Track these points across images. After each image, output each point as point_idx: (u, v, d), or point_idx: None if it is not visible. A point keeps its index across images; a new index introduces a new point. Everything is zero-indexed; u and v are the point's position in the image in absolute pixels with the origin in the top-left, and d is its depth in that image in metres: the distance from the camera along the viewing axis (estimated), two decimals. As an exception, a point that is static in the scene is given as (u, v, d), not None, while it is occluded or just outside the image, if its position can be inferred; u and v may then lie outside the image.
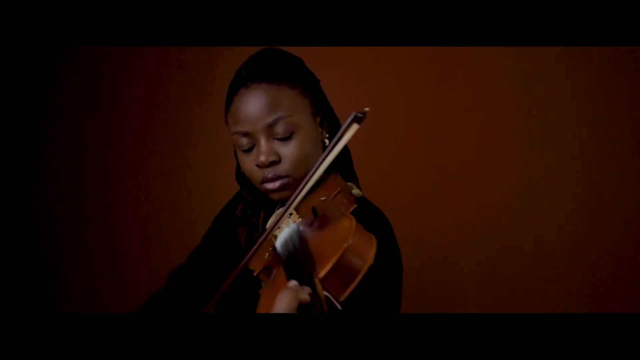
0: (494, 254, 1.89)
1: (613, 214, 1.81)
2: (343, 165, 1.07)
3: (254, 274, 0.96)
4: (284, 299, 0.76)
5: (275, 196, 1.03)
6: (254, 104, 1.01)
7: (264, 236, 0.93)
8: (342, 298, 0.77)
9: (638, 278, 1.79)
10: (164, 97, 2.13)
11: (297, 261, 0.82)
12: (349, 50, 1.83)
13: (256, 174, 1.03)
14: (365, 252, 0.80)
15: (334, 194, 0.98)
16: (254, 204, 1.15)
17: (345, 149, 1.09)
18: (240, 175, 1.14)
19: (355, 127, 0.92)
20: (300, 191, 0.93)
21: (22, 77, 2.12)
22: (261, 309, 0.84)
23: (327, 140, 1.08)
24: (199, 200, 1.93)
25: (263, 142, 1.01)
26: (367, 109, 0.94)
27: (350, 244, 0.79)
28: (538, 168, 1.87)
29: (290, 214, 0.96)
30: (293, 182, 1.01)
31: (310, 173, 0.93)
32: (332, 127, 1.10)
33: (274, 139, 1.01)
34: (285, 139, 1.01)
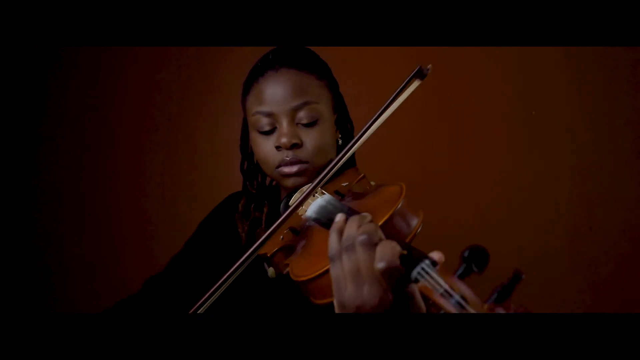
0: (494, 253, 1.89)
1: (613, 213, 1.81)
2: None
3: (268, 255, 0.91)
4: (387, 250, 0.68)
5: (289, 182, 1.01)
6: (282, 85, 1.00)
7: (288, 211, 0.88)
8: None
9: (638, 278, 1.79)
10: (164, 97, 2.13)
11: (351, 215, 0.76)
12: (349, 50, 1.83)
13: (273, 156, 1.01)
14: (413, 218, 0.82)
15: (358, 178, 0.98)
16: (257, 198, 1.13)
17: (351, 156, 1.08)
18: (245, 170, 1.14)
19: (417, 83, 0.96)
20: (336, 164, 0.91)
21: (22, 77, 2.12)
22: (333, 276, 0.72)
23: (340, 140, 1.08)
24: (200, 200, 1.93)
25: (286, 124, 0.99)
26: (430, 65, 0.96)
27: (400, 206, 0.78)
28: (538, 168, 1.87)
29: (316, 195, 0.92)
30: (311, 170, 1.00)
31: (357, 137, 0.91)
32: (344, 130, 1.11)
33: (297, 123, 1.00)
34: (309, 125, 1.00)
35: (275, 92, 1.00)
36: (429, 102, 1.93)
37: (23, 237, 2.16)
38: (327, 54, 1.86)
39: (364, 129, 0.92)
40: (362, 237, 0.69)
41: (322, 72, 1.07)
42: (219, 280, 0.87)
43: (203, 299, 0.87)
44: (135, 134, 2.14)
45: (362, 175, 0.99)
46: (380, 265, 0.67)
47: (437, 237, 1.94)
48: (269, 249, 0.92)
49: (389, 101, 0.95)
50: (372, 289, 0.68)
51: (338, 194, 0.94)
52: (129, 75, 2.13)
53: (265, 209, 1.12)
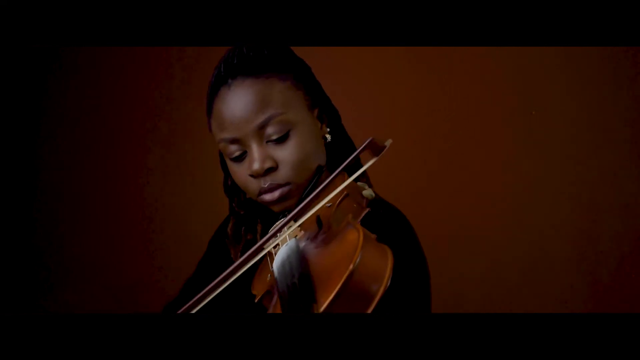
0: (494, 253, 1.89)
1: (613, 213, 1.81)
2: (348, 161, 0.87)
3: (256, 300, 0.81)
4: None
5: (276, 208, 0.89)
6: (239, 104, 0.86)
7: (252, 250, 0.78)
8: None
9: (638, 278, 1.79)
10: (164, 97, 2.13)
11: (295, 290, 0.65)
12: (349, 50, 1.83)
13: (251, 185, 0.88)
14: (378, 273, 0.63)
15: (341, 197, 0.82)
16: (247, 219, 1.00)
17: (351, 143, 0.99)
18: (229, 187, 1.01)
19: (372, 160, 0.79)
20: (302, 203, 0.79)
21: (22, 77, 2.12)
22: None
23: (328, 136, 0.94)
24: (200, 200, 1.93)
25: (255, 147, 0.86)
26: (389, 141, 0.82)
27: (357, 265, 0.61)
28: (538, 168, 1.87)
29: (290, 227, 0.81)
30: (296, 189, 0.87)
31: (315, 192, 0.79)
32: (332, 119, 0.97)
33: (267, 142, 0.86)
34: (281, 140, 0.86)
35: (233, 113, 0.86)
36: (428, 102, 1.93)
37: (23, 237, 2.16)
38: (327, 54, 1.87)
39: (313, 192, 0.79)
40: None
41: (284, 68, 0.90)
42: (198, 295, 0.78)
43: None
44: (135, 134, 2.14)
45: (345, 193, 0.82)
46: None
47: (439, 238, 1.95)
48: (259, 291, 0.83)
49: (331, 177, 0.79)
50: None
51: (318, 223, 0.79)
52: (129, 75, 2.13)
53: (259, 228, 1.00)
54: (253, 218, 1.00)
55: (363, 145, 0.79)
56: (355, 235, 0.66)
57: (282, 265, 0.71)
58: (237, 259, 0.84)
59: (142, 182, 2.15)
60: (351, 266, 0.61)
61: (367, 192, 0.86)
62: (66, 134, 2.16)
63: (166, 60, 2.10)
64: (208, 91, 0.94)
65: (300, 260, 0.69)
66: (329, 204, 0.80)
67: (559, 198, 1.85)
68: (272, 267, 0.76)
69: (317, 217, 0.79)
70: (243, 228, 0.99)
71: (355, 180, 0.84)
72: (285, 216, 0.84)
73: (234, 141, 0.87)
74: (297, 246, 0.73)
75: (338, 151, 0.94)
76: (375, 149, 0.79)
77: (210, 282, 0.78)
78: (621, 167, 1.80)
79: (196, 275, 1.08)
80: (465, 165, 1.91)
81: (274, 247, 0.80)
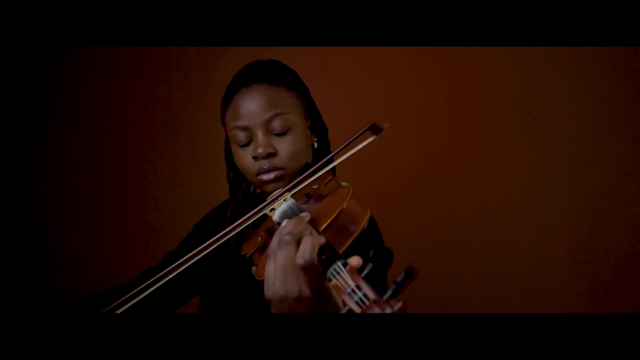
0: (494, 253, 1.89)
1: (613, 213, 1.81)
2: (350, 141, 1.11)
3: (247, 255, 0.99)
4: (306, 248, 0.76)
5: (269, 187, 1.09)
6: (255, 100, 1.08)
7: (256, 210, 0.98)
8: (341, 250, 0.82)
9: (638, 278, 1.79)
10: (163, 97, 2.13)
11: None
12: (348, 50, 1.83)
13: (252, 166, 1.09)
14: (359, 217, 0.86)
15: (326, 180, 1.02)
16: (244, 205, 1.20)
17: (327, 149, 1.19)
18: (231, 179, 1.22)
19: (371, 138, 0.99)
20: (299, 179, 1.01)
21: (22, 77, 2.12)
22: (266, 271, 0.82)
23: (316, 144, 1.17)
24: (199, 201, 1.93)
25: (261, 136, 1.07)
26: (386, 125, 1.00)
27: (346, 207, 0.85)
28: (538, 168, 1.87)
29: (285, 200, 1.01)
30: (287, 175, 1.08)
31: (313, 168, 1.01)
32: (319, 133, 1.19)
33: (271, 134, 1.08)
34: (282, 134, 1.08)
35: (249, 106, 1.08)
36: (429, 102, 1.93)
37: (23, 236, 2.16)
38: (327, 54, 1.87)
39: (312, 169, 1.01)
40: (285, 237, 0.78)
41: (292, 83, 1.13)
42: (186, 255, 0.95)
43: (162, 273, 0.95)
44: (135, 133, 2.14)
45: (330, 177, 1.03)
46: (299, 261, 0.75)
47: (438, 238, 1.95)
48: (248, 250, 1.00)
49: (340, 148, 1.01)
50: (292, 282, 0.76)
51: (308, 197, 1.00)
52: (129, 75, 2.13)
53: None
54: (248, 204, 1.18)
55: (366, 128, 0.99)
56: (346, 190, 0.90)
57: (285, 213, 0.96)
58: (233, 236, 1.03)
59: (142, 182, 2.15)
60: (344, 204, 0.85)
61: (345, 183, 1.05)
62: (66, 134, 2.16)
63: (166, 60, 2.10)
64: (227, 89, 1.14)
65: (299, 208, 0.95)
66: (315, 185, 1.01)
67: (558, 198, 1.86)
68: (273, 218, 0.98)
69: (307, 194, 1.00)
70: (240, 211, 1.20)
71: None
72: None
73: (244, 129, 1.08)
74: (294, 201, 0.98)
75: (320, 157, 1.16)
76: (375, 130, 1.00)
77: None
78: (621, 167, 1.80)
79: (177, 252, 1.27)
80: (465, 165, 1.91)
81: (271, 211, 1.00)
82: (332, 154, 1.02)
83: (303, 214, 0.86)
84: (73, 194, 2.16)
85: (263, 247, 0.97)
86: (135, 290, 0.95)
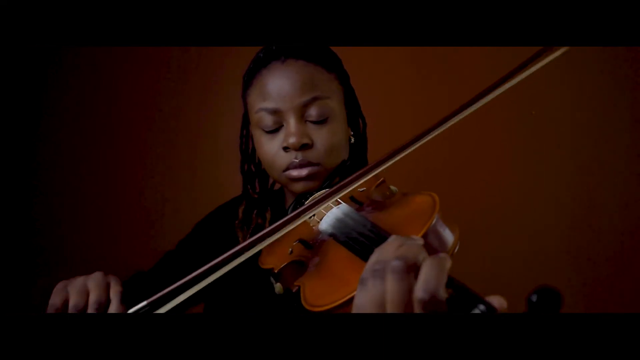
0: (494, 253, 1.89)
1: (613, 213, 1.81)
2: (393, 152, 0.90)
3: (275, 271, 0.79)
4: (433, 278, 0.53)
5: (298, 186, 0.90)
6: (289, 78, 0.88)
7: (294, 213, 0.74)
8: None
9: (638, 278, 1.79)
10: (164, 97, 2.13)
11: (370, 237, 0.66)
12: (349, 50, 1.83)
13: (281, 159, 0.90)
14: (448, 237, 0.72)
15: (377, 182, 0.85)
16: (260, 204, 1.01)
17: (365, 146, 1.01)
18: (246, 172, 1.02)
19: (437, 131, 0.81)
20: (355, 176, 0.77)
21: (22, 77, 2.12)
22: (356, 305, 0.58)
23: (352, 138, 0.98)
24: (200, 201, 1.93)
25: (294, 122, 0.88)
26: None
27: (435, 222, 0.69)
28: (538, 168, 1.87)
29: (335, 205, 0.80)
30: (323, 173, 0.90)
31: (372, 164, 0.79)
32: (358, 127, 1.00)
33: (306, 121, 0.90)
34: (319, 122, 0.89)
35: (281, 86, 0.88)
36: (428, 102, 1.93)
37: (23, 236, 2.16)
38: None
39: (370, 166, 0.77)
40: (395, 263, 0.54)
41: (332, 64, 0.95)
42: (201, 270, 0.74)
43: (175, 286, 0.76)
44: (135, 133, 2.14)
45: (381, 179, 0.86)
46: (420, 294, 0.53)
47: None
48: (277, 263, 0.79)
49: (409, 142, 0.80)
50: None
51: (354, 201, 0.81)
52: (129, 75, 2.13)
53: (268, 216, 1.01)
54: (264, 204, 1.01)
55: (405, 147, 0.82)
56: (429, 199, 0.73)
57: (340, 222, 0.73)
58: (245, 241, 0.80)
59: (142, 182, 2.15)
60: (432, 218, 0.68)
61: (393, 187, 0.90)
62: (66, 134, 2.16)
63: (166, 60, 2.10)
64: (253, 62, 0.94)
65: (361, 217, 0.72)
66: (361, 189, 0.83)
67: (558, 198, 1.86)
68: (320, 229, 0.77)
69: (352, 197, 0.81)
70: (255, 212, 1.00)
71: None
72: (306, 199, 0.86)
73: (274, 112, 0.89)
74: (351, 208, 0.77)
75: (357, 154, 0.98)
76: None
77: (187, 263, 0.80)
78: (621, 167, 1.80)
79: (175, 253, 1.11)
80: (465, 164, 1.91)
81: (310, 218, 0.79)
82: (399, 148, 0.78)
83: (415, 237, 0.62)
84: (73, 194, 2.16)
85: (299, 263, 0.77)
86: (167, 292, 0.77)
